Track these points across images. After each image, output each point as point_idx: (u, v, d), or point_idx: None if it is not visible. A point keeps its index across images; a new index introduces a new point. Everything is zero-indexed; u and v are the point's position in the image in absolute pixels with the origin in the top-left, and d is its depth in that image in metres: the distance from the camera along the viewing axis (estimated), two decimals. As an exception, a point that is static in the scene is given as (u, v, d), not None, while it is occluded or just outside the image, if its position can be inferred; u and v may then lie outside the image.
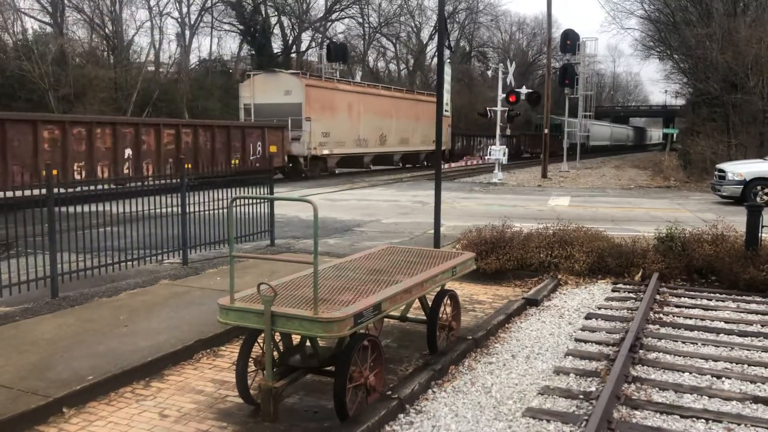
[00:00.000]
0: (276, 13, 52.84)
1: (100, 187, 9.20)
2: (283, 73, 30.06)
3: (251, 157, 23.77)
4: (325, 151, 28.72)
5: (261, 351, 4.86)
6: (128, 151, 18.90)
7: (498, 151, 28.25)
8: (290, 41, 55.39)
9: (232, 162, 22.10)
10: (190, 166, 18.88)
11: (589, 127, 45.19)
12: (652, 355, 6.10)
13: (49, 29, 38.78)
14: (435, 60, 38.83)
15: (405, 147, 36.65)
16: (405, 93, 38.60)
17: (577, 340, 6.60)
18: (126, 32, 42.80)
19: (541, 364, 5.88)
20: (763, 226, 8.83)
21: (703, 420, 4.71)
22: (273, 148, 25.00)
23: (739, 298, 8.23)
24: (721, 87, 28.86)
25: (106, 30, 40.82)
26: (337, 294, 4.87)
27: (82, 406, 4.83)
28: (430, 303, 6.03)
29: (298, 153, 27.16)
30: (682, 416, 4.77)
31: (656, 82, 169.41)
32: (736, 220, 10.28)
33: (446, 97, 12.70)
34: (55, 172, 15.52)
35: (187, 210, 9.33)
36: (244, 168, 21.55)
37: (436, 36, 11.65)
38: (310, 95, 27.73)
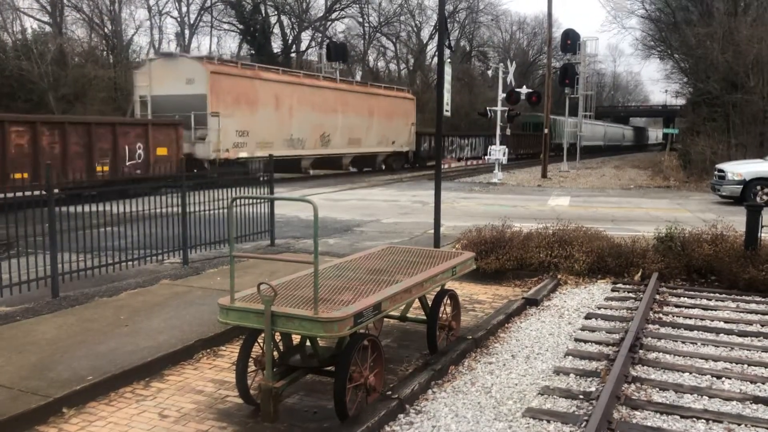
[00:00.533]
0: (276, 13, 52.91)
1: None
2: (185, 57, 25.06)
3: (127, 163, 18.60)
4: (243, 154, 23.52)
5: (261, 351, 4.86)
6: None
7: (498, 151, 28.24)
8: (290, 41, 55.46)
9: (98, 169, 17.66)
10: (26, 176, 14.82)
11: (581, 126, 43.32)
12: (652, 355, 6.10)
13: (48, 29, 38.81)
14: (435, 59, 37.81)
15: (356, 148, 31.54)
16: (355, 85, 33.30)
17: (576, 340, 6.60)
18: (125, 32, 42.94)
19: (541, 364, 5.88)
20: (762, 226, 8.83)
21: (703, 420, 4.71)
22: (162, 151, 19.85)
23: (739, 298, 8.23)
24: (721, 87, 28.88)
25: (106, 29, 40.86)
26: (337, 294, 4.88)
27: (82, 406, 4.83)
28: (430, 303, 6.03)
29: (202, 156, 22.22)
30: (682, 416, 4.77)
31: (656, 82, 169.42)
32: (735, 220, 10.29)
33: (446, 97, 12.41)
34: None
35: (188, 210, 9.33)
36: (120, 177, 16.97)
37: (437, 35, 11.64)
38: (217, 85, 22.84)
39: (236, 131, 23.63)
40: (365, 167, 33.43)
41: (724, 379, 5.53)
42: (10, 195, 7.54)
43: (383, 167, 34.24)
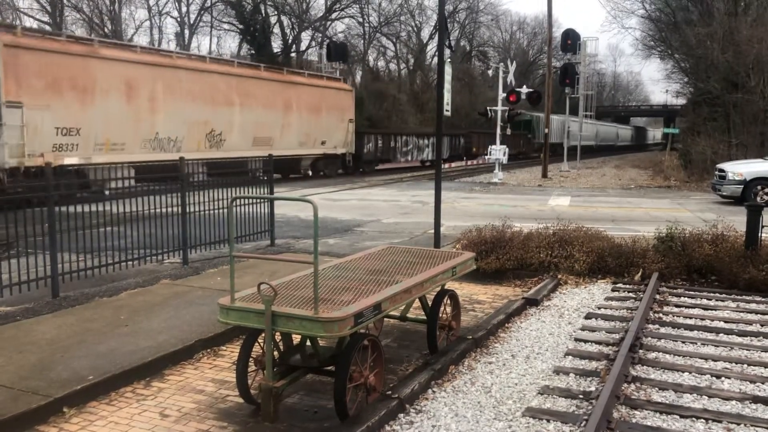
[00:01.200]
0: (276, 13, 52.87)
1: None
2: None
3: None
4: (71, 160, 17.39)
5: (261, 351, 4.87)
6: None
7: (498, 151, 28.25)
8: (290, 41, 55.44)
9: None
10: None
11: (569, 125, 38.28)
12: (651, 355, 6.10)
13: (48, 28, 38.82)
14: (435, 59, 36.43)
15: (265, 150, 23.16)
16: (262, 71, 25.75)
17: (576, 339, 6.61)
18: (125, 31, 42.92)
19: (541, 364, 5.88)
20: (763, 226, 8.83)
21: (702, 420, 4.72)
22: None
23: (739, 297, 8.23)
24: (721, 86, 28.89)
25: (105, 29, 40.87)
26: (338, 294, 4.88)
27: (83, 405, 4.83)
28: (430, 303, 6.04)
29: None
30: (681, 416, 4.78)
31: (657, 82, 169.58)
32: (736, 220, 10.29)
33: (447, 97, 11.82)
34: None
35: (187, 210, 9.34)
36: None
37: (437, 35, 11.65)
38: (18, 63, 16.23)
39: (57, 129, 17.31)
40: (289, 173, 27.52)
41: (723, 378, 5.54)
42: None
43: (310, 173, 28.27)
